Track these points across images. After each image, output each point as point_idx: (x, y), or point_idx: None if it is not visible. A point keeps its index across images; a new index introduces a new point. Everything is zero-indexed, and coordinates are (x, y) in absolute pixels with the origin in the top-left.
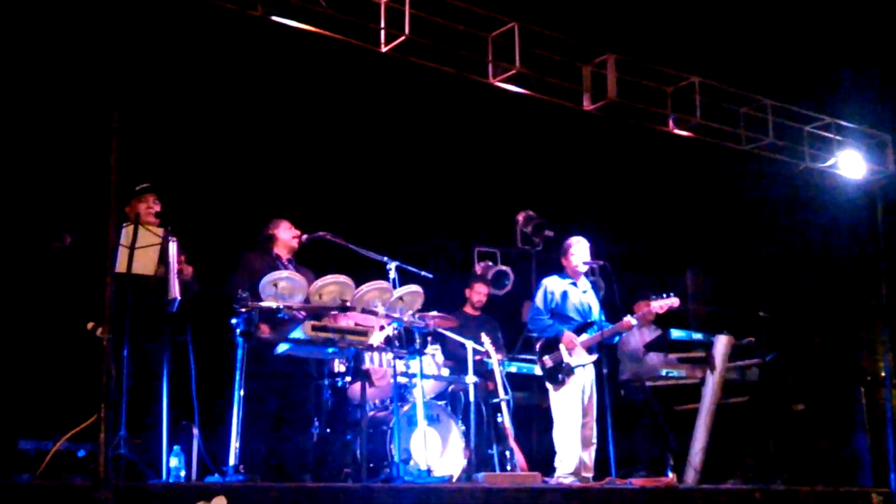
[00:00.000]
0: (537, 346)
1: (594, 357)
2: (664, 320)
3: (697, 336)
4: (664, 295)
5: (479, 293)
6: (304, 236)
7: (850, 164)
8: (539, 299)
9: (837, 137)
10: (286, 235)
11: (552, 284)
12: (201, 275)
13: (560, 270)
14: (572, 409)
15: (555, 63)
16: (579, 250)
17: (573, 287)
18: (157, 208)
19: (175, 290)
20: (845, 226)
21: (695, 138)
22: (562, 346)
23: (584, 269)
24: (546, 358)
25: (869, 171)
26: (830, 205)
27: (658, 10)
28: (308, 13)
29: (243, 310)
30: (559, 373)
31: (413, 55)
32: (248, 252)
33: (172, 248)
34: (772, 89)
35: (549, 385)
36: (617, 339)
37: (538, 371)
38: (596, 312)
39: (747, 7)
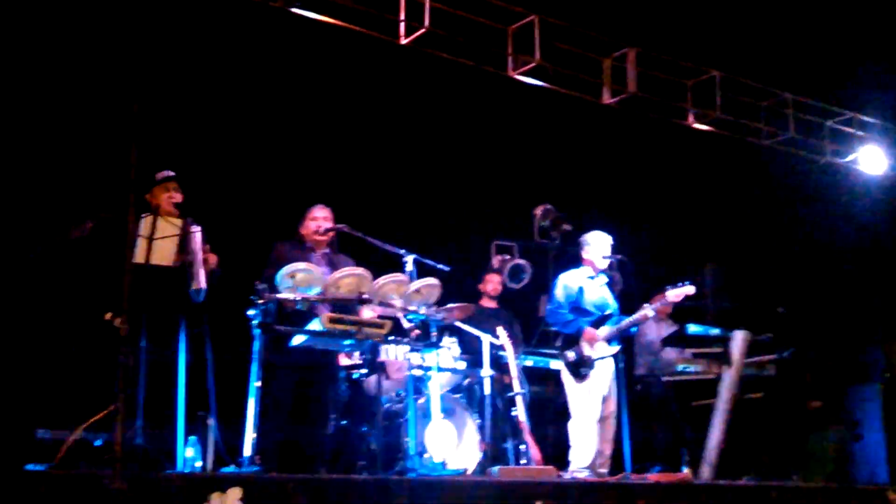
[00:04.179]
0: (558, 340)
1: (615, 349)
2: (681, 315)
3: (715, 332)
4: (679, 283)
5: (492, 282)
6: (322, 227)
7: (872, 160)
8: (559, 294)
9: (859, 133)
10: (306, 229)
11: (570, 279)
12: (225, 265)
13: (576, 264)
14: (592, 403)
15: (574, 56)
16: (599, 245)
17: (591, 281)
18: (179, 198)
19: (201, 281)
20: (865, 221)
21: (715, 132)
22: (583, 341)
23: (604, 264)
24: (569, 352)
25: (890, 166)
26: (850, 200)
27: (678, 4)
28: (329, 5)
29: (260, 301)
30: (581, 366)
31: (433, 48)
32: (279, 243)
33: (197, 237)
34: (793, 84)
35: (570, 379)
36: (634, 329)
37: (554, 365)
38: (612, 305)
39: (768, 1)
